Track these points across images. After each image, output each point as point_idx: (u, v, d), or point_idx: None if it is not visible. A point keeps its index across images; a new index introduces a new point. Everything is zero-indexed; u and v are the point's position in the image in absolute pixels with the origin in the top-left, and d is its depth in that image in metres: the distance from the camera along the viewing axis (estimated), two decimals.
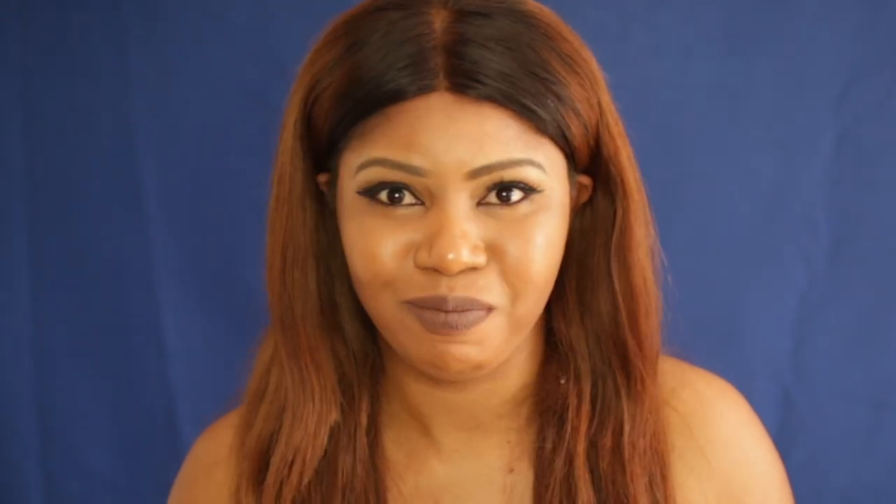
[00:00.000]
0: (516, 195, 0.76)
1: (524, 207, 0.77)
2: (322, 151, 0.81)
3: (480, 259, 0.76)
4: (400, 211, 0.76)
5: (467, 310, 0.77)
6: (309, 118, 0.80)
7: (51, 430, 1.31)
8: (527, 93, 0.75)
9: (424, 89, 0.75)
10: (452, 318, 0.77)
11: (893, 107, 1.22)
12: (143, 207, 1.28)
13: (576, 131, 0.78)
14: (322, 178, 0.83)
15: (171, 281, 1.30)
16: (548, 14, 0.80)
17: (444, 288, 0.76)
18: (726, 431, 0.85)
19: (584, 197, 0.84)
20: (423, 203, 0.76)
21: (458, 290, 0.76)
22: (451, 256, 0.74)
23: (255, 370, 0.89)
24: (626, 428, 0.83)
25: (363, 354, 0.87)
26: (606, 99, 0.81)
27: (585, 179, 0.83)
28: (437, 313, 0.77)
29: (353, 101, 0.76)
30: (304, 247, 0.82)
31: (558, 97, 0.76)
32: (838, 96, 1.22)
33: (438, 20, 0.76)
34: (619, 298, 0.83)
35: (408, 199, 0.76)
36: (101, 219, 1.29)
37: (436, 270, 0.76)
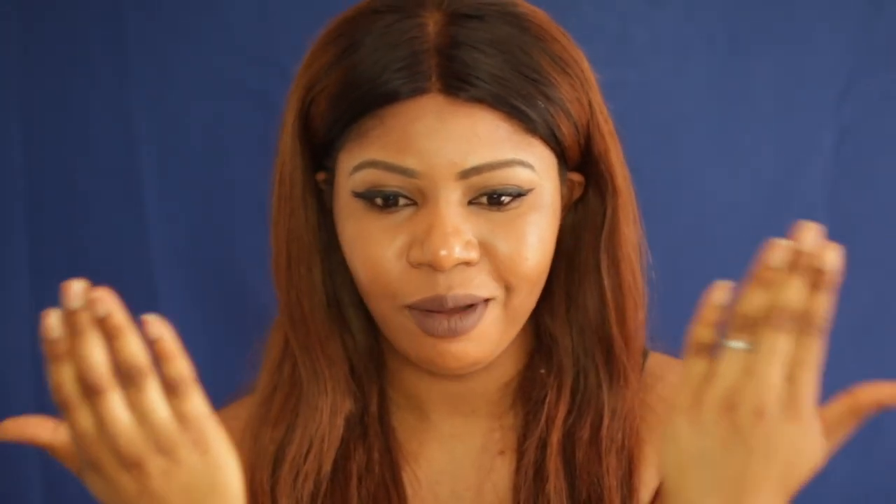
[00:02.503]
0: (507, 198, 0.78)
1: (515, 207, 0.78)
2: (320, 151, 0.82)
3: (473, 254, 0.78)
4: (395, 213, 0.78)
5: (468, 309, 0.79)
6: (306, 119, 0.81)
7: None
8: (517, 94, 0.77)
9: (417, 91, 0.76)
10: (454, 322, 0.79)
11: (893, 106, 1.22)
12: (143, 207, 1.28)
13: (566, 131, 0.80)
14: (320, 176, 0.84)
15: (170, 281, 1.30)
16: (540, 15, 0.82)
17: (441, 287, 0.78)
18: None
19: (577, 193, 0.85)
20: (416, 203, 0.78)
21: (456, 287, 0.78)
22: (443, 252, 0.76)
23: (265, 364, 0.90)
24: (606, 421, 0.85)
25: (368, 346, 0.89)
26: (597, 98, 0.83)
27: (577, 177, 0.84)
28: (440, 320, 0.79)
29: (347, 103, 0.78)
30: (308, 243, 0.84)
31: (548, 98, 0.78)
32: (838, 96, 1.22)
33: (432, 23, 0.78)
34: (608, 294, 0.84)
35: (402, 202, 0.78)
36: (101, 219, 1.29)
37: (430, 267, 0.77)
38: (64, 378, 0.66)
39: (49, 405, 1.41)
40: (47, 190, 1.29)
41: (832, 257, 0.66)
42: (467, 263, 0.78)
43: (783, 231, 1.33)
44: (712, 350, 0.68)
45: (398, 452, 0.88)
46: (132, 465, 0.66)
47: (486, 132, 0.77)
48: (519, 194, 0.78)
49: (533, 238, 0.79)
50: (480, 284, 0.79)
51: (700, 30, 1.22)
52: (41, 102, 1.27)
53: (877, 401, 0.70)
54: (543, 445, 0.85)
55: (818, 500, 1.27)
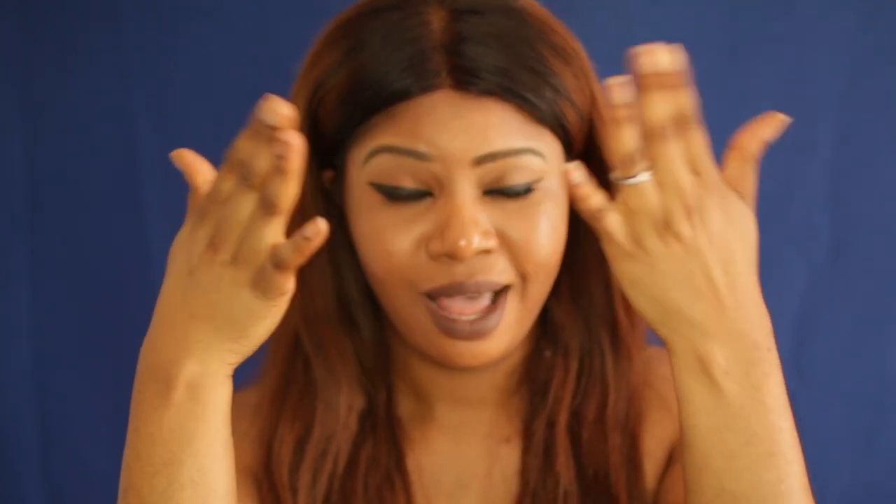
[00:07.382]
0: (520, 187, 0.79)
1: (528, 196, 0.80)
2: (328, 150, 0.83)
3: (492, 243, 0.79)
4: (412, 205, 0.79)
5: (489, 308, 0.81)
6: (314, 120, 0.82)
7: (51, 430, 1.31)
8: (525, 86, 0.78)
9: (429, 88, 0.78)
10: (478, 325, 0.80)
11: (893, 106, 1.22)
12: (143, 207, 1.28)
13: (571, 119, 0.81)
14: (328, 175, 0.85)
15: None
16: (538, 9, 0.84)
17: (461, 275, 0.79)
18: None
19: None
20: (432, 194, 0.79)
21: (477, 274, 0.80)
22: (462, 243, 0.77)
23: (273, 359, 0.91)
24: (611, 400, 0.87)
25: (375, 341, 0.90)
26: (598, 88, 0.84)
27: None
28: (462, 324, 0.80)
29: (358, 103, 0.79)
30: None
31: (554, 88, 0.80)
32: (839, 96, 1.22)
33: (436, 20, 0.79)
34: (613, 278, 0.85)
35: (417, 190, 0.79)
36: (101, 219, 1.29)
37: (449, 257, 0.78)
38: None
39: (49, 404, 1.41)
40: (48, 190, 1.29)
41: (662, 57, 0.68)
42: (487, 251, 0.79)
43: (783, 231, 1.33)
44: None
45: (404, 442, 0.89)
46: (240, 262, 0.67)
47: (499, 122, 0.78)
48: (532, 182, 0.79)
49: (545, 226, 0.80)
50: (501, 271, 0.81)
51: (700, 30, 1.22)
52: (41, 102, 1.27)
53: (758, 139, 0.74)
54: (551, 426, 0.87)
55: (818, 500, 1.27)
